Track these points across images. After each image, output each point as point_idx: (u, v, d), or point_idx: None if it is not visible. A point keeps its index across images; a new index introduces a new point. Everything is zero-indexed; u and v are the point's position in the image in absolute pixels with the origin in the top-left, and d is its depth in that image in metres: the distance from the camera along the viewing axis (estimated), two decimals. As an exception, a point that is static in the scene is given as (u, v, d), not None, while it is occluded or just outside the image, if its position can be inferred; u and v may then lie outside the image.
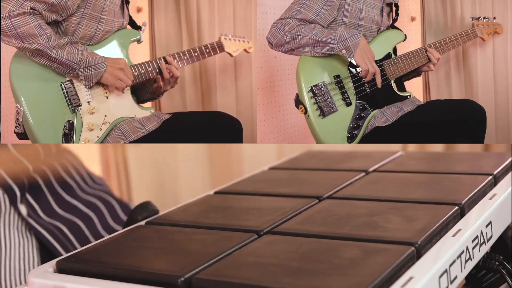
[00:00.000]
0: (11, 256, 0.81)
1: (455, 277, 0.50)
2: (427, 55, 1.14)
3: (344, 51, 1.06)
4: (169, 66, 1.03)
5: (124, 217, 0.94)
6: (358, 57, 1.06)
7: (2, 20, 0.87)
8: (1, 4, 0.87)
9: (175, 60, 1.05)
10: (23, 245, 0.82)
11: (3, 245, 0.81)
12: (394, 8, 1.17)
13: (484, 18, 1.26)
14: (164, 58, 1.04)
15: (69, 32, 0.94)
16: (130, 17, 1.05)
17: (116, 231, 0.76)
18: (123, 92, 1.00)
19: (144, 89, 1.07)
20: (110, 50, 0.99)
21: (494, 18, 1.27)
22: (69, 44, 0.92)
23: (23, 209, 0.84)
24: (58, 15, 0.92)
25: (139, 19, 1.15)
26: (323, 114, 1.07)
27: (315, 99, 1.07)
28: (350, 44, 1.06)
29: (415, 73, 1.19)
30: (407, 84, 1.20)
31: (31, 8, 0.88)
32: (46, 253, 0.83)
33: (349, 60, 1.08)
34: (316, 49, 1.07)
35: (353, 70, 1.11)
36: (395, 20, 1.17)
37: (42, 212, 0.86)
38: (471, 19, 1.25)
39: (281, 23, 1.08)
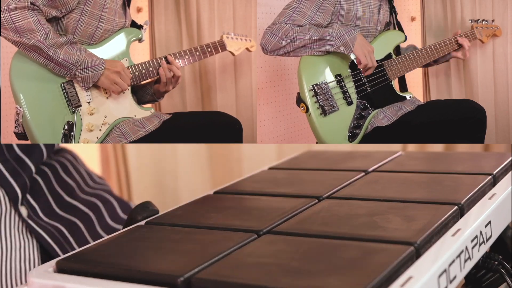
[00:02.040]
0: (11, 257, 0.81)
1: (454, 277, 0.50)
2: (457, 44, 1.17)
3: (342, 48, 1.06)
4: (170, 66, 1.03)
5: (124, 216, 0.94)
6: (358, 51, 1.06)
7: (1, 13, 0.87)
8: None
9: (177, 60, 1.05)
10: (24, 246, 0.82)
11: (3, 246, 0.80)
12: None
13: (483, 20, 1.26)
14: (165, 57, 1.04)
15: (69, 29, 0.94)
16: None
17: (116, 230, 0.76)
18: (123, 93, 0.99)
19: (145, 91, 1.06)
20: (112, 49, 0.99)
21: (493, 20, 1.28)
22: (67, 43, 0.91)
23: (23, 211, 0.84)
24: (58, 11, 0.92)
25: (139, 19, 1.15)
26: (324, 112, 1.07)
27: (317, 97, 1.07)
28: (348, 40, 1.06)
29: (444, 59, 1.20)
30: (407, 84, 1.20)
31: (31, 3, 0.88)
32: (47, 254, 0.83)
33: (349, 55, 1.08)
34: (314, 48, 1.07)
35: (354, 69, 1.11)
36: (396, 20, 1.17)
37: (42, 213, 0.86)
38: (470, 21, 1.25)
39: (275, 28, 1.07)
